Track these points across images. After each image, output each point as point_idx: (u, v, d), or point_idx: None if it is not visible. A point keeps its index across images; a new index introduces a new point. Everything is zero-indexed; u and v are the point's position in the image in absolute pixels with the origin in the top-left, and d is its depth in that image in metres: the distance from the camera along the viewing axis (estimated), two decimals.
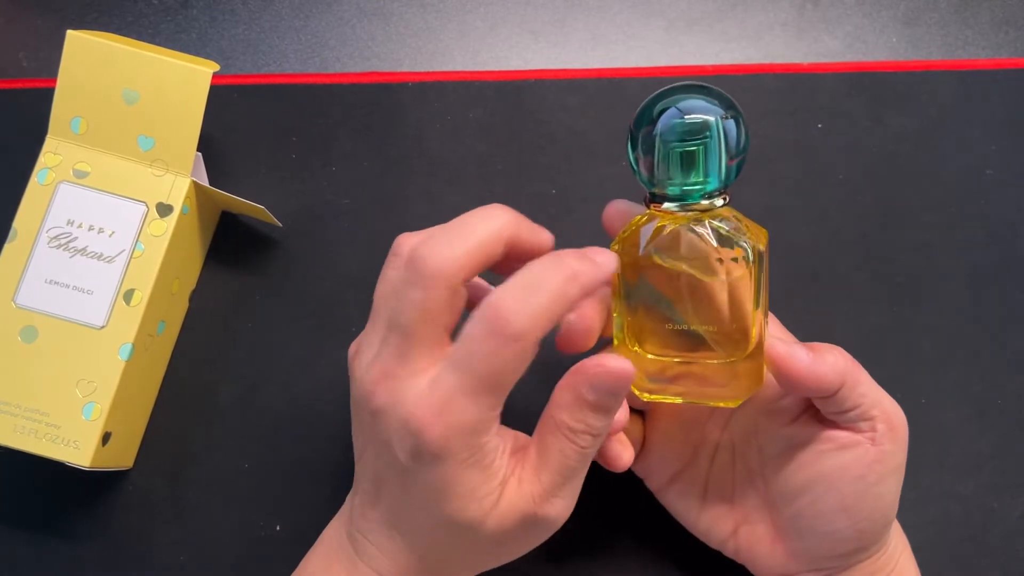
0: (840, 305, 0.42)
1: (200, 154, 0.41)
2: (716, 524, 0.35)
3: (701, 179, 0.28)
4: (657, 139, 0.28)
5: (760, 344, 0.30)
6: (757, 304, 0.30)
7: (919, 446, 0.40)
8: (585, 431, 0.29)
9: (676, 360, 0.31)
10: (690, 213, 0.29)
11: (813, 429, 0.32)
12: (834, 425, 0.32)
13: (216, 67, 0.39)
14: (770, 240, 0.31)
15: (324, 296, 0.42)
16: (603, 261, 0.28)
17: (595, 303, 0.30)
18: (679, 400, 0.32)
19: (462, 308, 0.28)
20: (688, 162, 0.28)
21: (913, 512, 0.40)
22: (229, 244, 0.43)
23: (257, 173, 0.43)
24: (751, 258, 0.29)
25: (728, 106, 0.28)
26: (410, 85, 0.44)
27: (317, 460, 0.41)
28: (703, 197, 0.29)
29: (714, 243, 0.29)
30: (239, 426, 0.41)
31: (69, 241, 0.38)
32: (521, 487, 0.29)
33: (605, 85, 0.44)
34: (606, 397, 0.28)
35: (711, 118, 0.28)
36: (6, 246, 0.38)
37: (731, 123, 0.28)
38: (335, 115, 0.44)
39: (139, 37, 0.41)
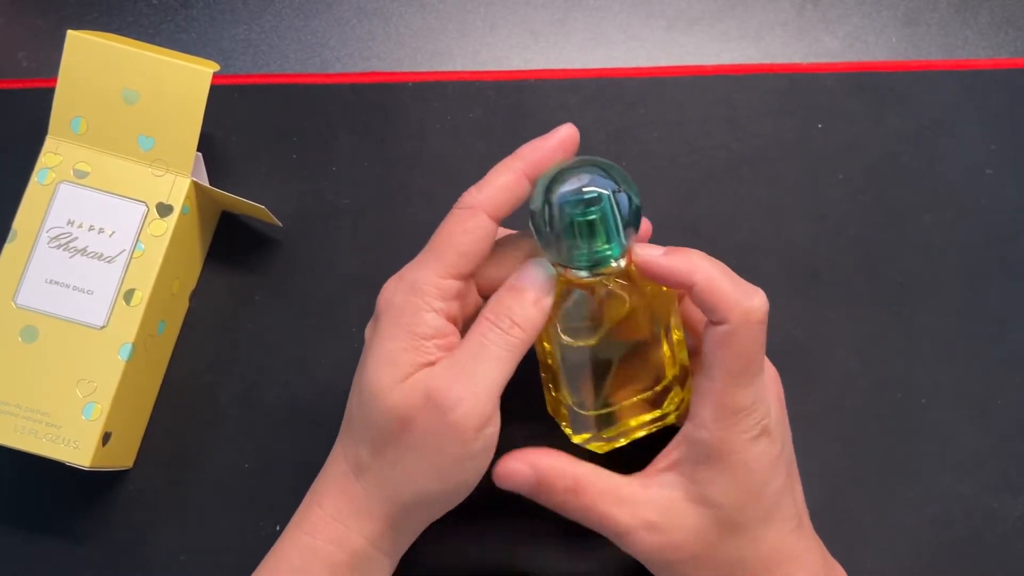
0: (840, 305, 0.42)
1: (200, 154, 0.41)
2: None
3: (602, 246, 0.30)
4: (557, 214, 0.30)
5: (684, 371, 0.34)
6: (669, 331, 0.33)
7: (919, 446, 0.41)
8: (506, 313, 0.31)
9: (615, 408, 0.34)
10: (601, 278, 0.31)
11: None
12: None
13: (216, 67, 0.39)
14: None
15: (324, 296, 0.42)
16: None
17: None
18: (631, 439, 0.35)
19: (486, 250, 0.32)
20: (588, 233, 0.30)
21: (913, 512, 0.40)
22: (229, 244, 0.43)
23: (257, 173, 0.43)
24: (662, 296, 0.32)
25: (620, 179, 0.30)
26: (410, 85, 0.44)
27: (317, 460, 0.41)
28: (611, 260, 0.30)
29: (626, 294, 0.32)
30: (239, 426, 0.41)
31: (69, 241, 0.38)
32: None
33: (605, 85, 0.44)
34: (528, 283, 0.31)
35: (604, 191, 0.30)
36: (6, 246, 0.38)
37: (623, 196, 0.30)
38: (335, 115, 0.44)
39: (139, 37, 0.41)
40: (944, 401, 0.41)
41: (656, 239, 0.34)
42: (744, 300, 0.30)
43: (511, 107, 0.44)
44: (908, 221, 0.43)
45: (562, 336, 0.32)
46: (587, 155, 0.31)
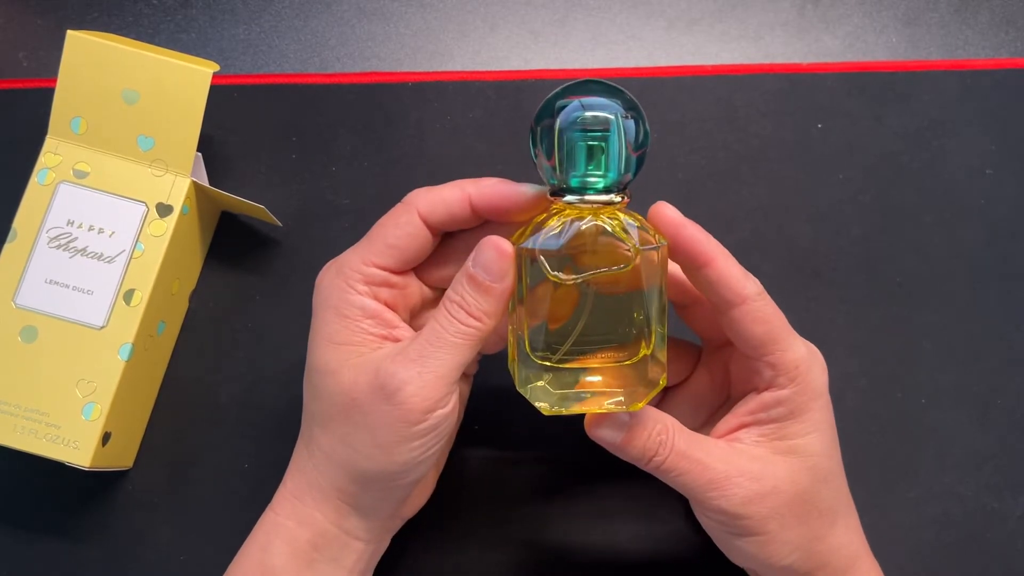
0: (840, 305, 0.42)
1: (200, 154, 0.41)
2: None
3: (601, 172, 0.29)
4: (557, 132, 0.29)
5: (661, 343, 0.31)
6: (659, 298, 0.31)
7: (919, 446, 0.41)
8: (460, 304, 0.31)
9: (576, 365, 0.31)
10: (591, 206, 0.30)
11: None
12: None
13: (216, 67, 0.39)
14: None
15: None
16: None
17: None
18: (582, 410, 0.31)
19: (422, 249, 0.33)
20: (588, 155, 0.29)
21: (913, 512, 0.40)
22: (229, 244, 0.43)
23: (257, 173, 0.43)
24: (660, 254, 0.30)
25: (629, 106, 0.29)
26: (410, 85, 0.44)
27: None
28: (603, 191, 0.29)
29: (632, 235, 0.30)
30: (239, 426, 0.41)
31: (69, 241, 0.38)
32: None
33: None
34: (482, 271, 0.30)
35: (610, 116, 0.29)
36: (6, 246, 0.38)
37: (630, 123, 0.29)
38: (335, 115, 0.44)
39: (139, 37, 0.41)
40: (944, 401, 0.41)
41: None
42: (750, 282, 0.32)
43: (511, 107, 0.44)
44: (908, 221, 0.43)
45: (542, 260, 0.30)
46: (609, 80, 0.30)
